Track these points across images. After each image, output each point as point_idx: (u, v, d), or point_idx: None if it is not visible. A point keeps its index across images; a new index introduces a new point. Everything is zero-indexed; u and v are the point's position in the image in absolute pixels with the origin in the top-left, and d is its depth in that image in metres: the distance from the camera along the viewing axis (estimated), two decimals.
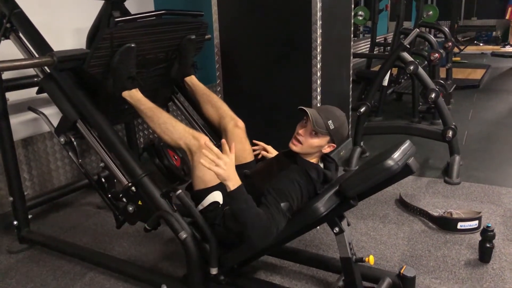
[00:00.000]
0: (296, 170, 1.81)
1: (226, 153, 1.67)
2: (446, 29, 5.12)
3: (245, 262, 2.02)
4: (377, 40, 5.92)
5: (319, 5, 2.99)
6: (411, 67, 3.20)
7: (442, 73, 5.28)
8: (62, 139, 2.11)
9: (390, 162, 1.61)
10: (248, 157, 2.17)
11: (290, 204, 1.72)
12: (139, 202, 1.99)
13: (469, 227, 2.51)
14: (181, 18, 2.29)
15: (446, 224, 2.55)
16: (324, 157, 1.96)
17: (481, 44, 10.79)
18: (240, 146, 2.14)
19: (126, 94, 2.07)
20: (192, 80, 2.41)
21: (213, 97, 2.33)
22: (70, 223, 2.85)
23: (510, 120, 4.79)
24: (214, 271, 1.90)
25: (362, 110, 3.34)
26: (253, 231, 1.63)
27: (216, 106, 2.29)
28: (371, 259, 1.92)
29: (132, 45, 1.99)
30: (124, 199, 2.04)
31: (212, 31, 3.08)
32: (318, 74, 3.10)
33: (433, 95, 3.15)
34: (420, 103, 4.64)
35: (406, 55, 3.29)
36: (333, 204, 1.74)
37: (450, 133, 3.18)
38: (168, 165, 2.38)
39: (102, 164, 2.25)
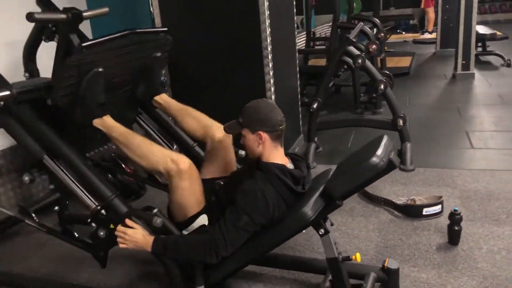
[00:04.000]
0: (260, 178, 1.78)
1: (132, 225, 1.77)
2: (377, 20, 5.29)
3: (229, 275, 1.95)
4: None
5: (266, 3, 2.96)
6: (359, 61, 3.26)
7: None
8: (26, 178, 1.94)
9: (375, 160, 1.60)
10: (232, 168, 2.14)
11: (250, 217, 1.70)
12: (111, 226, 1.85)
13: (433, 212, 2.60)
14: (146, 36, 2.17)
15: (412, 211, 2.62)
16: (291, 156, 1.93)
17: (403, 33, 11.34)
18: (227, 157, 2.14)
19: (97, 122, 1.93)
20: (163, 97, 2.31)
21: (190, 110, 2.25)
22: (21, 254, 2.61)
23: (444, 104, 5.06)
24: None
25: (314, 106, 3.36)
26: (201, 257, 1.74)
27: (197, 117, 2.21)
28: (357, 257, 1.92)
29: (100, 69, 1.86)
30: (93, 224, 1.89)
31: None
32: (271, 73, 3.08)
33: (382, 86, 3.23)
34: (362, 94, 4.76)
35: (353, 49, 3.35)
36: (320, 207, 1.72)
37: (400, 122, 3.28)
38: (122, 179, 2.27)
39: (51, 186, 2.09)
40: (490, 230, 2.43)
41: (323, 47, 6.90)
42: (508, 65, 6.58)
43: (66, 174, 1.90)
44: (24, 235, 2.83)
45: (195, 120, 2.21)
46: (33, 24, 2.17)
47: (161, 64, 2.31)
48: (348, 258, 1.92)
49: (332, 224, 1.89)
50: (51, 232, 2.11)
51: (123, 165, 2.39)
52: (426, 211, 2.59)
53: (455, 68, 6.07)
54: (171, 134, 2.41)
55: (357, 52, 3.32)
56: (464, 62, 5.95)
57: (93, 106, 1.91)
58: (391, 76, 3.35)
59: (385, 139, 1.75)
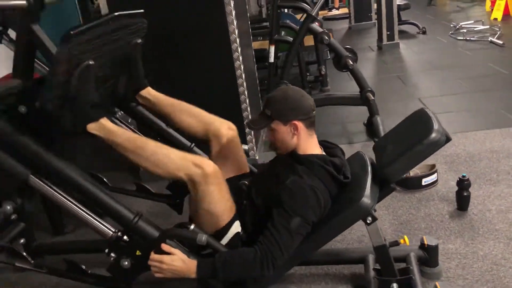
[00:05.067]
0: (304, 173, 1.61)
1: (169, 250, 1.51)
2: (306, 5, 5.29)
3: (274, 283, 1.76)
4: None
5: None
6: (325, 37, 3.15)
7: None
8: (9, 207, 1.55)
9: (436, 135, 1.50)
10: (244, 165, 1.90)
11: (304, 218, 1.53)
12: (137, 253, 1.56)
13: (432, 181, 2.59)
14: (128, 19, 1.82)
15: (411, 183, 2.59)
16: (324, 144, 1.78)
17: None
18: (238, 155, 1.88)
19: (93, 127, 1.59)
20: (150, 92, 1.97)
21: (184, 104, 1.95)
22: None
23: (383, 74, 5.18)
24: None
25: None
26: (257, 272, 1.53)
27: (195, 113, 1.93)
28: (406, 240, 1.83)
29: (91, 62, 1.52)
30: (113, 254, 1.58)
31: None
32: (240, 59, 2.86)
33: (350, 61, 3.16)
34: (308, 74, 4.70)
35: (316, 26, 3.24)
36: (376, 194, 1.58)
37: (370, 96, 3.24)
38: None
39: (14, 217, 1.72)
40: (489, 191, 2.48)
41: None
42: (424, 32, 6.93)
43: (62, 195, 1.57)
44: None
45: (193, 116, 1.94)
46: None
47: (140, 53, 1.99)
48: (396, 243, 1.82)
49: (375, 210, 1.77)
50: (54, 272, 1.75)
51: None
52: (425, 181, 2.58)
53: (380, 39, 6.24)
54: (162, 135, 2.10)
55: (320, 29, 3.21)
56: (388, 33, 6.14)
57: (86, 107, 1.57)
58: (355, 52, 3.31)
59: (429, 111, 1.65)
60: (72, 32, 1.45)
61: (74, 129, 1.58)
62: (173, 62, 2.88)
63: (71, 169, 1.55)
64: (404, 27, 7.33)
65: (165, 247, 1.49)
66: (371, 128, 3.34)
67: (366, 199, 1.51)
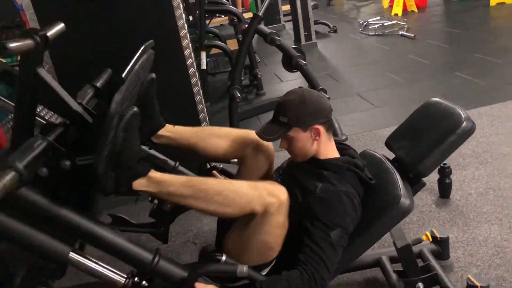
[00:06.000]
0: (334, 179, 1.47)
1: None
2: (234, 8, 5.19)
3: None
4: None
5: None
6: (275, 37, 3.04)
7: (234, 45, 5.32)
8: None
9: (468, 123, 1.44)
10: (271, 179, 1.69)
11: (343, 228, 1.39)
12: None
13: None
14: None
15: None
16: (338, 147, 1.65)
17: (222, 16, 11.46)
18: (271, 167, 1.73)
19: (140, 184, 1.31)
20: (168, 128, 1.68)
21: (207, 128, 1.82)
22: None
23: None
24: None
25: (238, 95, 3.05)
26: None
27: (223, 133, 1.71)
28: (428, 235, 1.77)
29: (135, 109, 1.22)
30: None
31: None
32: (194, 65, 2.66)
33: (301, 61, 3.08)
34: (242, 78, 4.57)
35: (264, 27, 3.12)
36: (410, 191, 1.49)
37: (324, 95, 3.19)
38: None
39: None
40: (462, 175, 2.53)
41: None
42: (335, 31, 7.17)
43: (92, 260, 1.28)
44: None
45: (223, 136, 1.70)
46: None
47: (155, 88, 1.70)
48: (419, 241, 1.75)
49: None
50: None
51: None
52: None
53: (298, 40, 6.32)
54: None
55: (268, 30, 3.09)
56: (306, 33, 6.23)
57: (133, 163, 1.28)
58: (303, 52, 3.23)
59: (445, 100, 1.60)
60: (123, 77, 1.17)
61: (117, 190, 1.27)
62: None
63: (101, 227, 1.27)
64: (316, 27, 7.53)
65: (200, 286, 1.26)
66: None
67: (405, 199, 1.41)
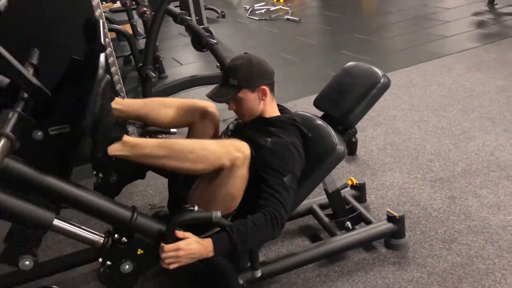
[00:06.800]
0: (281, 133, 1.67)
1: (183, 236, 1.41)
2: None
3: None
4: None
5: None
6: (185, 17, 3.13)
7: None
8: (27, 263, 1.21)
9: (385, 79, 1.73)
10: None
11: (293, 173, 1.60)
12: (139, 251, 1.39)
13: None
14: None
15: None
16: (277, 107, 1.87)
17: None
18: (217, 130, 1.88)
19: (115, 148, 1.38)
20: (118, 101, 1.74)
21: (156, 99, 1.85)
22: None
23: (206, 58, 5.33)
24: (258, 273, 1.61)
25: (152, 75, 3.10)
26: (270, 236, 1.53)
27: (171, 103, 1.82)
28: (353, 180, 2.05)
29: (108, 76, 1.28)
30: (109, 262, 1.37)
31: None
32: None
33: (212, 40, 3.22)
34: (140, 64, 4.58)
35: (173, 8, 3.19)
36: (341, 140, 1.74)
37: None
38: None
39: None
40: (363, 135, 2.92)
41: None
42: (223, 16, 7.36)
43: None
44: None
45: (170, 106, 1.81)
46: None
47: None
48: (346, 185, 2.04)
49: None
50: None
51: None
52: None
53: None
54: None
55: (178, 10, 3.18)
56: (197, 18, 6.34)
57: (109, 128, 1.34)
58: (210, 31, 3.35)
59: (365, 64, 1.88)
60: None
61: (93, 156, 1.30)
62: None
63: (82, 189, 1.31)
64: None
65: (179, 233, 1.38)
66: None
67: (340, 146, 1.66)
